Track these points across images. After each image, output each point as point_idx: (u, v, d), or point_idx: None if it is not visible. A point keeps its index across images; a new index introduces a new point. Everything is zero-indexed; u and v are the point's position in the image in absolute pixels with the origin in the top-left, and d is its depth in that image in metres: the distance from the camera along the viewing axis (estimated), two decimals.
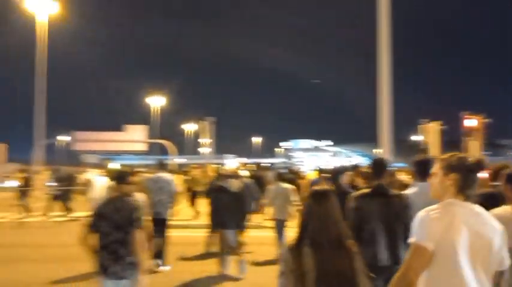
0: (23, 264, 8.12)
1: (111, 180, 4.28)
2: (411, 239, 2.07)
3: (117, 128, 32.12)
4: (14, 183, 17.09)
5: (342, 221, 2.45)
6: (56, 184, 15.68)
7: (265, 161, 71.32)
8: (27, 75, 30.32)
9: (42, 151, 27.50)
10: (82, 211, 15.64)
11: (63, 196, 15.32)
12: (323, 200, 2.45)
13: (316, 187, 2.67)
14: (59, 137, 48.22)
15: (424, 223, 2.06)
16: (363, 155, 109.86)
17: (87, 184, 15.50)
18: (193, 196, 14.13)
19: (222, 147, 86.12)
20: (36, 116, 26.74)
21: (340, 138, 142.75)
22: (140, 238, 3.90)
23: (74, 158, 51.50)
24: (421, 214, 2.10)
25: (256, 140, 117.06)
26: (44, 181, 16.76)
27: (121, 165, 28.89)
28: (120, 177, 4.15)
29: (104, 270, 3.86)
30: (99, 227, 3.91)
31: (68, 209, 15.42)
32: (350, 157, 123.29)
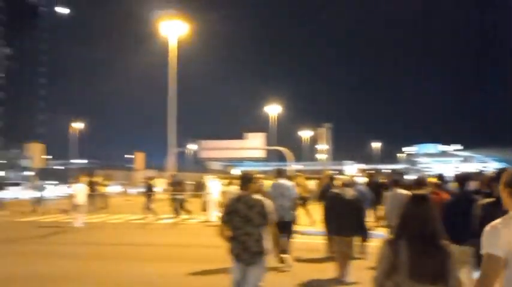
0: (145, 261, 9.07)
1: (240, 182, 4.79)
2: (483, 251, 2.29)
3: (239, 136, 33.90)
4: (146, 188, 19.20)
5: (437, 222, 2.70)
6: (172, 188, 17.33)
7: (386, 167, 68.27)
8: (161, 91, 33.67)
9: (174, 158, 30.20)
10: (199, 213, 17.02)
11: (179, 199, 16.85)
12: (420, 202, 2.73)
13: (416, 192, 3.01)
14: (189, 146, 52.44)
15: (492, 235, 2.31)
16: (499, 161, 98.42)
17: (204, 188, 16.74)
18: (303, 202, 14.30)
19: (339, 153, 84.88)
20: (169, 127, 29.52)
21: (472, 142, 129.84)
22: (267, 231, 4.45)
23: (200, 165, 55.61)
24: (487, 228, 2.37)
25: (376, 145, 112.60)
26: (167, 186, 18.62)
27: (242, 171, 30.44)
28: (247, 178, 4.63)
29: (234, 257, 4.45)
30: (231, 221, 4.47)
31: (184, 212, 16.86)
32: (484, 162, 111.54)
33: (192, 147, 50.50)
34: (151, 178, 18.31)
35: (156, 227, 14.94)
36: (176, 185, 17.29)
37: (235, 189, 11.24)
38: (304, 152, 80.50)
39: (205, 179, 18.42)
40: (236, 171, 55.80)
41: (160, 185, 22.88)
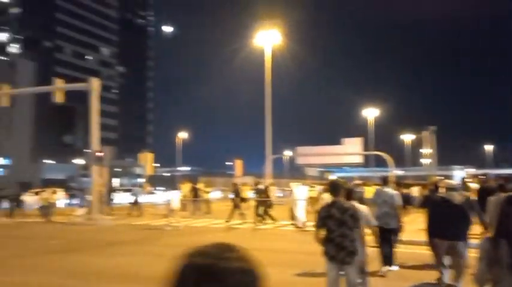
0: None
1: (329, 190, 5.06)
2: None
3: (337, 141, 33.49)
4: (250, 194, 19.91)
5: None
6: (257, 195, 17.77)
7: (502, 172, 62.00)
8: (257, 99, 34.64)
9: (271, 165, 30.79)
10: (283, 218, 17.18)
11: (262, 205, 17.21)
12: None
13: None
14: (285, 152, 53.06)
15: None
16: None
17: (291, 194, 16.84)
18: None
19: (447, 157, 79.20)
20: (266, 134, 30.22)
21: None
22: (360, 233, 4.76)
23: (297, 171, 55.86)
24: None
25: (489, 148, 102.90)
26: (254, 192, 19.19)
27: (338, 177, 30.08)
28: (336, 186, 4.99)
29: (330, 257, 4.71)
30: (326, 225, 4.77)
31: (267, 217, 17.17)
32: None
33: (289, 153, 51.03)
34: (237, 184, 19.14)
35: (247, 231, 15.40)
36: (260, 192, 17.79)
37: (329, 196, 11.34)
38: (406, 157, 76.74)
39: (292, 185, 18.73)
40: (333, 177, 55.01)
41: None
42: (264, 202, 17.44)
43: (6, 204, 22.35)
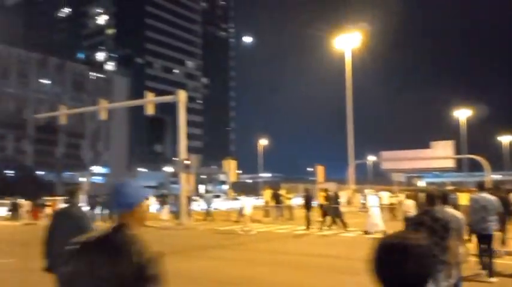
0: (331, 272, 9.26)
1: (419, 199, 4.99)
2: None
3: (425, 145, 31.77)
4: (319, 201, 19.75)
5: None
6: (328, 202, 17.42)
7: None
8: (339, 103, 34.07)
9: (353, 170, 30.05)
10: (355, 226, 16.62)
11: (332, 212, 16.80)
12: None
13: None
14: (369, 157, 51.46)
15: None
16: None
17: (366, 200, 16.23)
18: None
19: None
20: (348, 140, 29.60)
21: None
22: (452, 242, 4.64)
23: (382, 176, 53.80)
24: None
25: None
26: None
27: (427, 183, 28.48)
28: (431, 197, 4.90)
29: None
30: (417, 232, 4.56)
31: (337, 224, 16.72)
32: None
33: (372, 158, 49.40)
34: (309, 190, 19.07)
35: (302, 236, 15.14)
36: (330, 199, 17.52)
37: (412, 202, 11.15)
38: (504, 160, 70.36)
39: (367, 192, 18.23)
40: (422, 183, 52.11)
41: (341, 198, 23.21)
42: (334, 209, 17.18)
43: (98, 210, 24.21)
